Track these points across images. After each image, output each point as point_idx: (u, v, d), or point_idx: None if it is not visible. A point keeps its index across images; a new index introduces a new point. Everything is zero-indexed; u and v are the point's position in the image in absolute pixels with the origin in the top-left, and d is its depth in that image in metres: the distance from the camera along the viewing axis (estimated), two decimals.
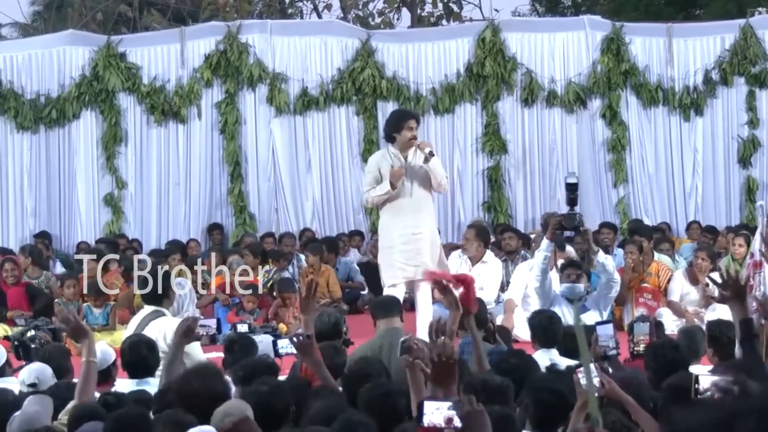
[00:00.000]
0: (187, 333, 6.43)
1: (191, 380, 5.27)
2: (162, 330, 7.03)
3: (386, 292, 9.31)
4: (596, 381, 5.07)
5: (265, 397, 5.11)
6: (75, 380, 6.83)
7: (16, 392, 6.27)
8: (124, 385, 6.61)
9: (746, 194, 15.97)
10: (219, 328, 8.96)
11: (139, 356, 6.55)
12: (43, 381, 6.41)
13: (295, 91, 15.79)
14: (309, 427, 4.94)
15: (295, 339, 6.20)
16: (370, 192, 9.71)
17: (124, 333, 7.66)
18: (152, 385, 6.32)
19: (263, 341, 7.81)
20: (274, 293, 11.77)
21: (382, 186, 9.53)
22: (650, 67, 15.96)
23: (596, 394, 5.00)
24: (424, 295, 9.51)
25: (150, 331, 7.09)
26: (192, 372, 5.46)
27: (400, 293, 9.33)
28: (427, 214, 9.58)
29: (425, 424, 4.14)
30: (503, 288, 11.29)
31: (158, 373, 6.54)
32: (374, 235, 11.55)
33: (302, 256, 13.90)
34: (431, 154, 9.39)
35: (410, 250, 9.39)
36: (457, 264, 11.24)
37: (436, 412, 4.14)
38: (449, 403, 4.14)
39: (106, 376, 7.43)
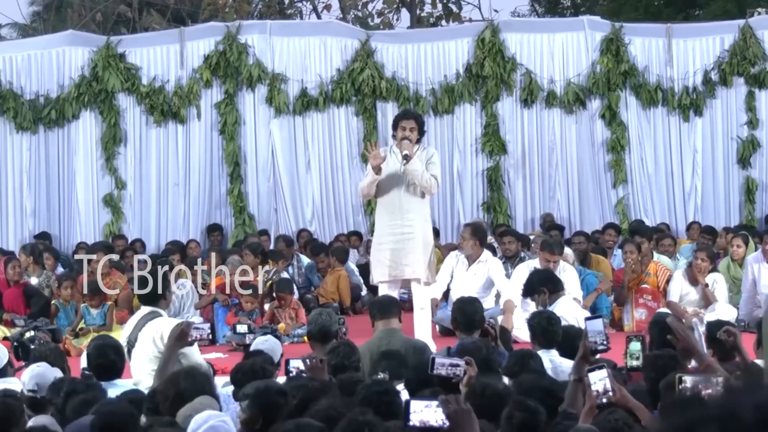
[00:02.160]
0: (180, 337, 6.50)
1: (179, 381, 5.34)
2: (159, 331, 7.04)
3: (381, 291, 9.30)
4: (606, 386, 5.05)
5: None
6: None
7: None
8: None
9: (746, 194, 15.95)
10: (213, 332, 8.95)
11: (106, 360, 6.64)
12: (42, 386, 6.42)
13: (295, 92, 15.77)
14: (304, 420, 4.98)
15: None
16: (359, 183, 9.85)
17: (121, 333, 7.66)
18: (119, 387, 6.41)
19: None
20: (273, 294, 11.75)
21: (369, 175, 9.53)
22: (649, 68, 15.94)
23: (604, 400, 5.00)
24: (420, 295, 9.49)
25: (147, 332, 7.12)
26: (180, 373, 5.55)
27: (395, 293, 9.30)
28: (418, 215, 9.49)
29: (413, 423, 4.14)
30: None
31: (133, 375, 6.63)
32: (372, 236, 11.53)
33: (303, 257, 13.88)
34: (405, 157, 9.34)
35: (400, 249, 9.35)
36: (454, 263, 11.21)
37: (425, 410, 4.14)
38: (436, 402, 4.14)
39: None
